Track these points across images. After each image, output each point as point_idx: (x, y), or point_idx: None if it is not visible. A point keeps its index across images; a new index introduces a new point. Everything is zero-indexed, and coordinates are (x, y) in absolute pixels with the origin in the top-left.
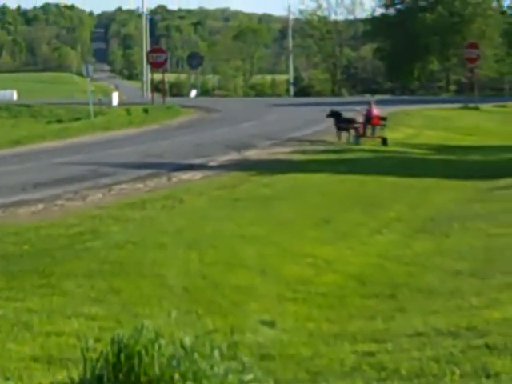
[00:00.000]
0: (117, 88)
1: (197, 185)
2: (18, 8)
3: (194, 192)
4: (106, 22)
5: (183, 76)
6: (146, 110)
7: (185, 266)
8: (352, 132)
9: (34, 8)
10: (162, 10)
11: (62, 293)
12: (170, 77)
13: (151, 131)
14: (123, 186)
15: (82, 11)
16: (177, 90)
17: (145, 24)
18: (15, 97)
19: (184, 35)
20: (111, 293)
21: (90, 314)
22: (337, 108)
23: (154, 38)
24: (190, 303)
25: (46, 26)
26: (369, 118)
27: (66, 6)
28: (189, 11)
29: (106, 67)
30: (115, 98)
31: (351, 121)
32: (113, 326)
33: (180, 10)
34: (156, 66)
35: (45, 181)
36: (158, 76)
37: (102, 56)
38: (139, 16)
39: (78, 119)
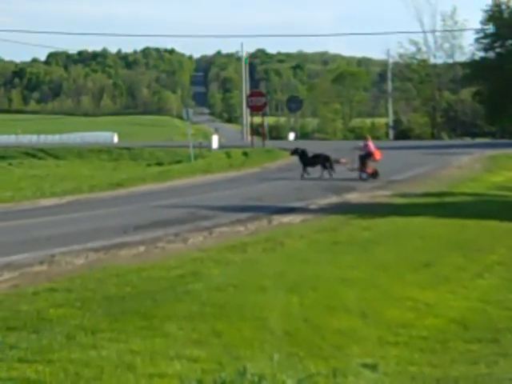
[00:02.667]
0: (216, 131)
1: (297, 228)
2: (119, 52)
3: (294, 235)
4: (205, 66)
5: (282, 119)
6: (245, 153)
7: (286, 308)
8: (329, 168)
9: (134, 52)
10: (261, 53)
11: (164, 335)
12: (269, 120)
13: (251, 174)
14: (224, 228)
15: (182, 55)
16: (276, 133)
17: (244, 68)
18: (116, 139)
19: (283, 79)
20: (213, 335)
21: (192, 356)
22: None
23: (254, 81)
24: (291, 346)
25: (146, 69)
26: (369, 154)
27: (165, 50)
28: (288, 55)
29: (206, 110)
30: (215, 141)
31: (325, 157)
32: (215, 369)
33: (279, 54)
34: (255, 109)
35: (145, 223)
36: (257, 119)
37: (201, 99)
38: (238, 60)
39: (178, 162)
